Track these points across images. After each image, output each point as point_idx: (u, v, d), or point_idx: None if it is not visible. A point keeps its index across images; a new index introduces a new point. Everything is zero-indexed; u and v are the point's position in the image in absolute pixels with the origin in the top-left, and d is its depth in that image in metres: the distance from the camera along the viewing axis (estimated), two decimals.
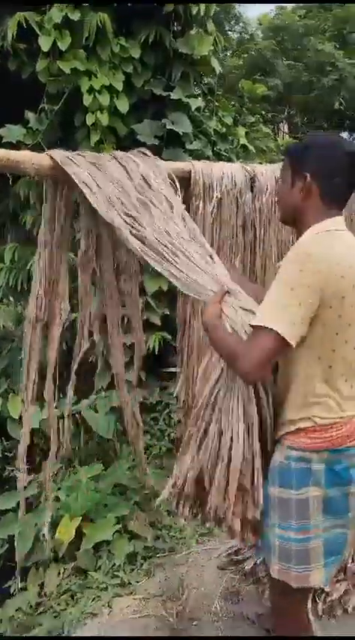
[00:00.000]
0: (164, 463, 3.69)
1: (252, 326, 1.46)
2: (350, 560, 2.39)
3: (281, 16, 8.83)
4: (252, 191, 2.78)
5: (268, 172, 2.86)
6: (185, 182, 2.54)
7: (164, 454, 3.80)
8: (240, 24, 8.75)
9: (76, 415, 3.78)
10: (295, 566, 1.53)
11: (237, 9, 8.45)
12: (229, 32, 8.20)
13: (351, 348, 1.51)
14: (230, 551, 2.66)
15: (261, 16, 8.87)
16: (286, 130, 10.24)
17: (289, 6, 11.86)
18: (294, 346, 1.41)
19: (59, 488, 3.17)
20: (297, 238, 1.58)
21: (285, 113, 9.36)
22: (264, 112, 6.76)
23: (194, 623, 2.25)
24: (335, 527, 1.55)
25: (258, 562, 2.48)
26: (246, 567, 2.50)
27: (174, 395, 2.87)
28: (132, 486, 3.31)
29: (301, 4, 9.94)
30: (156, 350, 3.86)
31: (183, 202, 2.60)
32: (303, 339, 1.44)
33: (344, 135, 21.77)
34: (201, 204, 2.52)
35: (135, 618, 2.31)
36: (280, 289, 1.42)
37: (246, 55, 8.25)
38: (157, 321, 3.84)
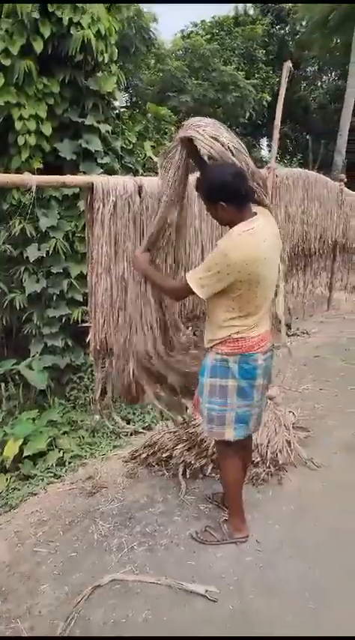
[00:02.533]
0: (88, 409, 4.72)
1: (184, 276, 2.45)
2: None
3: (190, 40, 10.03)
4: (140, 195, 3.87)
5: (152, 182, 3.96)
6: (89, 190, 3.60)
7: (88, 403, 4.83)
8: (155, 45, 9.84)
9: (17, 375, 4.76)
10: (216, 426, 2.57)
11: (152, 31, 9.53)
12: (145, 54, 9.24)
13: (261, 299, 2.41)
14: (131, 451, 3.75)
15: (174, 39, 10.03)
16: None
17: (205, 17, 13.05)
18: (205, 299, 2.43)
19: (5, 425, 4.15)
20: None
21: None
22: (174, 127, 7.91)
23: (104, 488, 3.32)
24: (244, 407, 2.56)
25: (150, 453, 3.59)
26: (142, 457, 3.61)
27: (86, 341, 3.86)
28: (61, 422, 4.33)
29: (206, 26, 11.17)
30: (79, 320, 4.86)
31: (89, 204, 3.67)
32: (220, 294, 2.37)
33: (264, 140, 23.26)
34: (100, 206, 3.57)
35: (64, 491, 3.34)
36: (204, 267, 2.33)
37: (161, 74, 9.36)
38: (80, 298, 4.84)
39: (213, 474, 3.40)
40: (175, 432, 3.74)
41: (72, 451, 3.88)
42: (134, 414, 4.35)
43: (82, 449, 3.94)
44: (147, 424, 4.21)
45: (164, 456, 3.55)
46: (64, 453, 3.85)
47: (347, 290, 10.68)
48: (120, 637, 2.24)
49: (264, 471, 3.39)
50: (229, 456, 2.70)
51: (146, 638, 2.24)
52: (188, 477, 3.38)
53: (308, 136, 19.82)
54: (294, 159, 14.26)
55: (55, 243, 4.65)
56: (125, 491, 3.30)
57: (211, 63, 9.48)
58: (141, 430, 4.15)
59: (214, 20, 14.17)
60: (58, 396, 4.88)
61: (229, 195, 2.30)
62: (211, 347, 2.55)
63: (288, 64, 5.80)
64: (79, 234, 4.71)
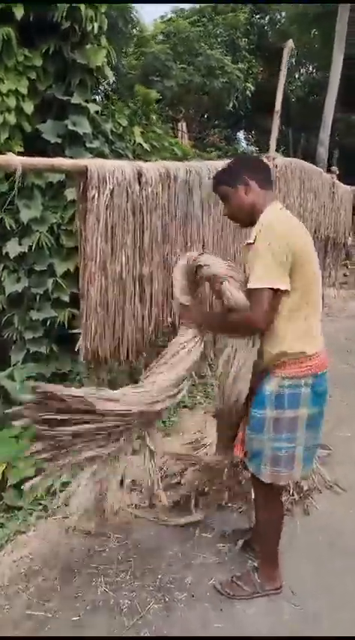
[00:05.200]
0: None
1: (249, 290, 1.97)
2: None
3: (174, 22, 9.53)
4: (139, 183, 3.38)
5: (152, 168, 3.48)
6: (82, 176, 3.09)
7: None
8: (137, 28, 9.30)
9: None
10: (284, 469, 2.11)
11: (134, 14, 8.98)
12: (127, 36, 8.70)
13: (316, 292, 2.04)
14: (133, 478, 3.27)
15: (155, 23, 9.50)
16: (184, 129, 10.94)
17: (184, 6, 12.57)
18: (289, 289, 1.94)
19: None
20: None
21: (182, 113, 10.05)
22: (160, 113, 7.41)
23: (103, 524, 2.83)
24: (312, 440, 2.13)
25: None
26: (148, 484, 3.13)
27: (76, 349, 3.37)
28: None
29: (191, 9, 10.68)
30: (66, 324, 4.34)
31: (82, 192, 3.17)
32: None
33: (241, 134, 22.92)
34: (96, 194, 3.07)
35: (56, 529, 2.85)
36: (261, 258, 1.92)
37: (143, 58, 8.82)
38: (66, 298, 4.32)
39: (230, 504, 2.96)
40: (182, 453, 3.28)
41: (61, 475, 3.37)
42: None
43: (74, 474, 3.43)
44: None
45: (172, 482, 3.09)
46: (53, 479, 3.34)
47: (335, 286, 10.38)
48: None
49: (288, 499, 2.96)
50: (274, 495, 2.26)
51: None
52: (201, 507, 2.93)
53: (289, 129, 19.54)
54: (278, 151, 13.86)
55: (39, 238, 4.11)
56: (129, 529, 2.82)
57: (196, 47, 8.99)
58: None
59: (194, 7, 13.68)
60: None
61: (254, 169, 2.11)
62: (273, 366, 2.07)
63: (290, 44, 5.37)
64: (65, 227, 4.18)
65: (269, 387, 2.07)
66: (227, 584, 2.34)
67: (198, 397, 4.52)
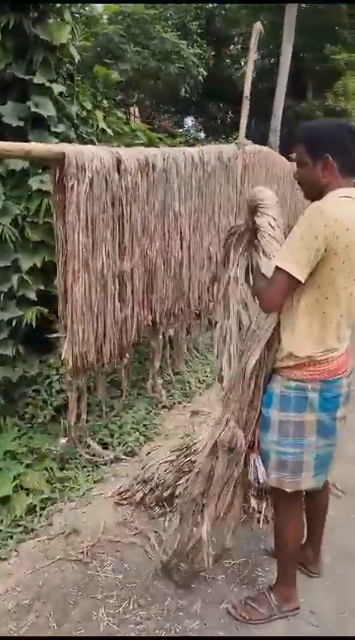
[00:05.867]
0: (49, 429, 3.92)
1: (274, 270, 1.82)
2: None
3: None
4: (118, 172, 3.12)
5: (131, 155, 3.22)
6: (59, 163, 2.80)
7: (49, 422, 4.03)
8: (87, 7, 8.84)
9: None
10: (290, 474, 1.96)
11: None
12: (76, 15, 8.24)
13: (348, 293, 1.86)
14: (121, 490, 3.04)
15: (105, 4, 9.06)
16: (137, 113, 10.60)
17: None
18: (303, 282, 1.78)
19: None
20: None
21: (135, 97, 9.71)
22: (114, 97, 7.08)
23: (94, 546, 2.59)
24: (326, 447, 1.99)
25: (147, 492, 2.91)
26: (137, 498, 2.91)
27: (62, 358, 3.10)
28: (21, 451, 3.52)
29: None
30: (34, 324, 4.02)
31: (58, 182, 2.88)
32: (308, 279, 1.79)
33: (189, 119, 22.76)
34: (75, 184, 2.79)
35: (42, 554, 2.58)
36: (295, 237, 1.77)
37: (93, 39, 8.41)
38: (33, 296, 4.00)
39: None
40: (172, 460, 3.08)
41: (42, 492, 3.10)
42: (112, 435, 3.61)
43: (54, 488, 3.17)
44: (129, 448, 3.49)
45: (165, 494, 2.88)
46: (32, 495, 3.06)
47: None
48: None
49: None
50: (288, 501, 2.09)
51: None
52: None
53: (238, 115, 19.48)
54: (230, 137, 13.75)
55: (1, 231, 3.76)
56: (124, 550, 2.60)
57: (150, 30, 8.67)
58: (123, 456, 3.42)
59: None
60: (10, 415, 4.03)
61: (340, 149, 1.83)
62: (281, 368, 1.95)
63: (258, 26, 5.18)
64: (31, 219, 3.85)
65: (275, 385, 2.00)
66: (241, 607, 2.17)
67: (176, 396, 4.31)
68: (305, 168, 1.92)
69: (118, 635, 2.09)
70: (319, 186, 1.88)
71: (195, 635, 2.09)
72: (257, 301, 2.02)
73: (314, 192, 1.91)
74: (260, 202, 2.15)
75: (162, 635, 2.09)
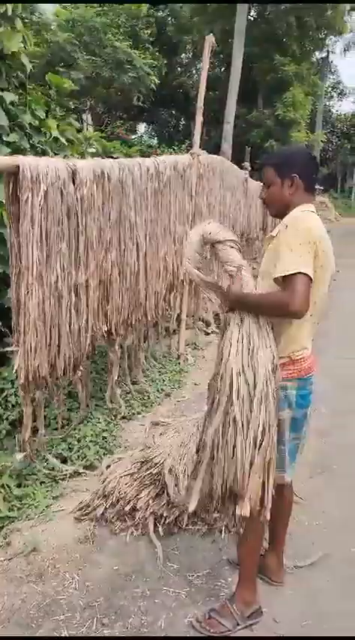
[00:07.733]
0: (5, 445, 3.83)
1: (284, 277, 1.86)
2: None
3: (77, 9, 9.06)
4: (73, 183, 3.09)
5: (87, 167, 3.20)
6: (13, 175, 2.75)
7: (4, 437, 3.93)
8: (36, 14, 8.75)
9: None
10: (277, 470, 2.03)
11: None
12: (26, 21, 8.13)
13: (322, 293, 2.03)
14: (81, 505, 2.99)
15: (57, 9, 8.96)
16: (90, 120, 10.55)
17: None
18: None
19: None
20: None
21: (88, 105, 9.66)
22: (68, 105, 6.99)
23: (55, 564, 2.54)
24: (294, 440, 2.12)
25: (108, 506, 2.88)
26: (98, 514, 2.87)
27: (14, 371, 3.02)
28: None
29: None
30: None
31: (11, 194, 2.83)
32: None
33: (142, 126, 22.78)
34: (29, 196, 2.74)
35: (1, 575, 2.51)
36: (291, 247, 1.87)
37: (45, 46, 8.32)
38: None
39: (190, 526, 2.79)
40: (132, 473, 3.06)
41: None
42: (71, 449, 3.55)
43: (12, 506, 3.09)
44: (89, 462, 3.44)
45: (126, 508, 2.85)
46: None
47: None
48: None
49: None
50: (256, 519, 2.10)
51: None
52: (162, 533, 2.73)
53: (190, 123, 19.65)
54: (182, 145, 13.87)
55: None
56: (86, 567, 2.55)
57: (102, 38, 8.62)
58: (82, 470, 3.37)
59: None
60: None
61: (305, 170, 2.08)
62: None
63: (211, 38, 5.26)
64: None
65: None
66: (205, 621, 2.17)
67: (135, 406, 4.29)
68: (274, 187, 2.11)
69: None
70: (287, 203, 2.07)
71: None
72: (275, 313, 2.01)
73: (282, 208, 2.10)
74: (216, 238, 2.17)
75: None
